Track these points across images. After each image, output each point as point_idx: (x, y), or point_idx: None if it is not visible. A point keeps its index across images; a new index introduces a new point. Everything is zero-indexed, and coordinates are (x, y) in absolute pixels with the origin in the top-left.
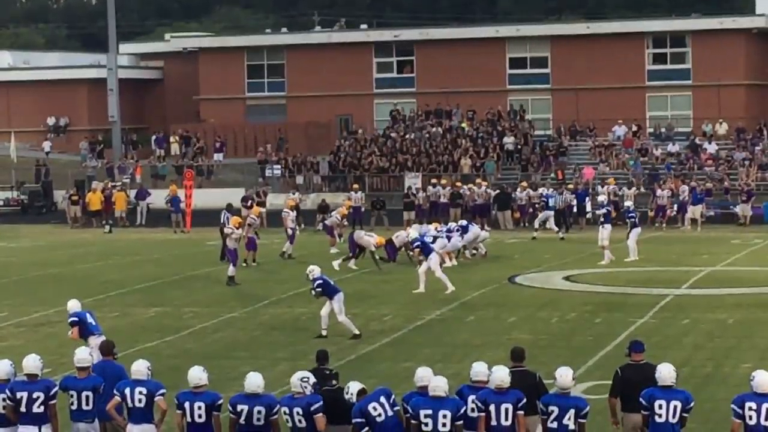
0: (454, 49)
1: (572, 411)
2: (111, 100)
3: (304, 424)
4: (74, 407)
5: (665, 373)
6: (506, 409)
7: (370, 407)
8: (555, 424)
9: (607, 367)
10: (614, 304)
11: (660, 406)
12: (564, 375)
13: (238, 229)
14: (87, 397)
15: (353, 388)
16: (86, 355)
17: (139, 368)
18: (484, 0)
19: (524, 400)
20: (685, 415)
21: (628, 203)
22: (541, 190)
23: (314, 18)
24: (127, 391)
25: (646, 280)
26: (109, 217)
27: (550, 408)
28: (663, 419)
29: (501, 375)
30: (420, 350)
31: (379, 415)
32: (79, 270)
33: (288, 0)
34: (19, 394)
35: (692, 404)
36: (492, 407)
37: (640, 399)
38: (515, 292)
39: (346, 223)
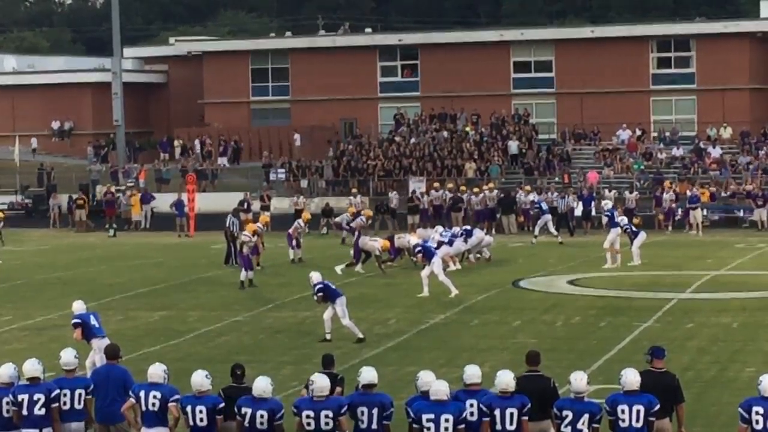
0: (459, 53)
1: (586, 416)
2: (115, 103)
3: (330, 426)
4: (66, 407)
5: (630, 377)
6: (511, 414)
7: (358, 410)
8: (569, 429)
9: (612, 371)
10: (619, 308)
11: (623, 411)
12: (579, 379)
13: (253, 236)
14: (80, 395)
15: (365, 377)
16: (71, 358)
17: (156, 371)
18: (488, 4)
19: (529, 405)
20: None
21: (621, 219)
22: (531, 196)
23: (318, 22)
24: (142, 393)
25: (651, 283)
26: (113, 221)
27: (564, 412)
28: (626, 424)
29: (506, 379)
30: (424, 354)
31: (362, 422)
32: (83, 273)
33: (292, 4)
34: (20, 397)
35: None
36: (497, 412)
37: (604, 404)
38: (520, 295)
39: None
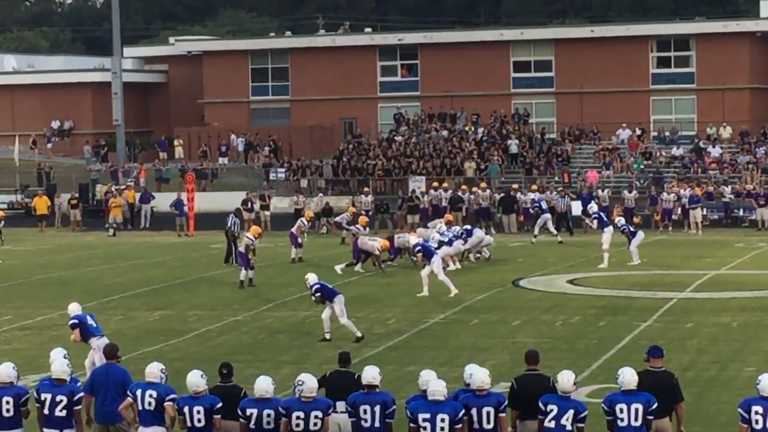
0: (459, 52)
1: (571, 412)
2: (115, 103)
3: (318, 426)
4: (47, 412)
5: (627, 377)
6: (488, 413)
7: (361, 408)
8: (552, 424)
9: (611, 370)
10: (618, 308)
11: (621, 410)
12: (566, 379)
13: (256, 239)
14: (60, 401)
15: (365, 377)
16: (65, 367)
17: (153, 371)
18: (488, 3)
19: (506, 403)
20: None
21: (618, 219)
22: (532, 195)
23: (318, 21)
24: (139, 392)
25: (651, 283)
26: (114, 221)
27: (549, 407)
28: (625, 423)
29: (480, 377)
30: (424, 354)
31: (366, 420)
32: (83, 273)
33: (292, 3)
34: (43, 396)
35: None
36: (473, 411)
37: (602, 404)
38: (519, 295)
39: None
